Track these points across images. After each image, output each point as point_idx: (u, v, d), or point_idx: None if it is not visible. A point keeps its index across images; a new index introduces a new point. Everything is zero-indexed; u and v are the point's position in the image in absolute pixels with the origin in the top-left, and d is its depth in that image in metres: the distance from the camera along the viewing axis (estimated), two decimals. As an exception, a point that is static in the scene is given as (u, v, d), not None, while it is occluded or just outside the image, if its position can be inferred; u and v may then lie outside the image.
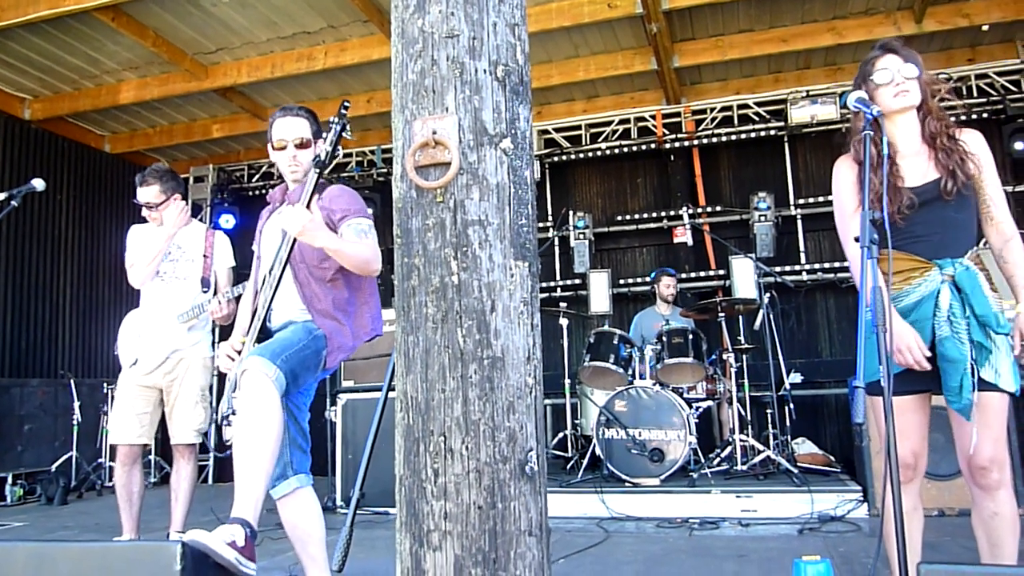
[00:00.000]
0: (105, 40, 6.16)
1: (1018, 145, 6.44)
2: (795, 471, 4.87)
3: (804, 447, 5.83)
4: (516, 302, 1.55)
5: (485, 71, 1.59)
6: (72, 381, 6.70)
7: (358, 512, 2.03)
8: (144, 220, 3.98)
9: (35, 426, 6.54)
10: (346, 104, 2.39)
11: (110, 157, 7.88)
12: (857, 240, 2.23)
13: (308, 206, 2.40)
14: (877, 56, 2.50)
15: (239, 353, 2.52)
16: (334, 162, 2.41)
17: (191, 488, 3.88)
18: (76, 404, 6.57)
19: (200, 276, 3.96)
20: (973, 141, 2.38)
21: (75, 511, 5.83)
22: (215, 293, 3.97)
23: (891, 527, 2.02)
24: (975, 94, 6.74)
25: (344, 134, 2.35)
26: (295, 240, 2.41)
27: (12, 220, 6.95)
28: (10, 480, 6.21)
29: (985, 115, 6.59)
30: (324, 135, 2.42)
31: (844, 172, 2.50)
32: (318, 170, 2.39)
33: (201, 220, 8.04)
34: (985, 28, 6.28)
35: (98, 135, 7.89)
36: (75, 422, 6.55)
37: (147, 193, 3.87)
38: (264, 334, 2.57)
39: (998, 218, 2.36)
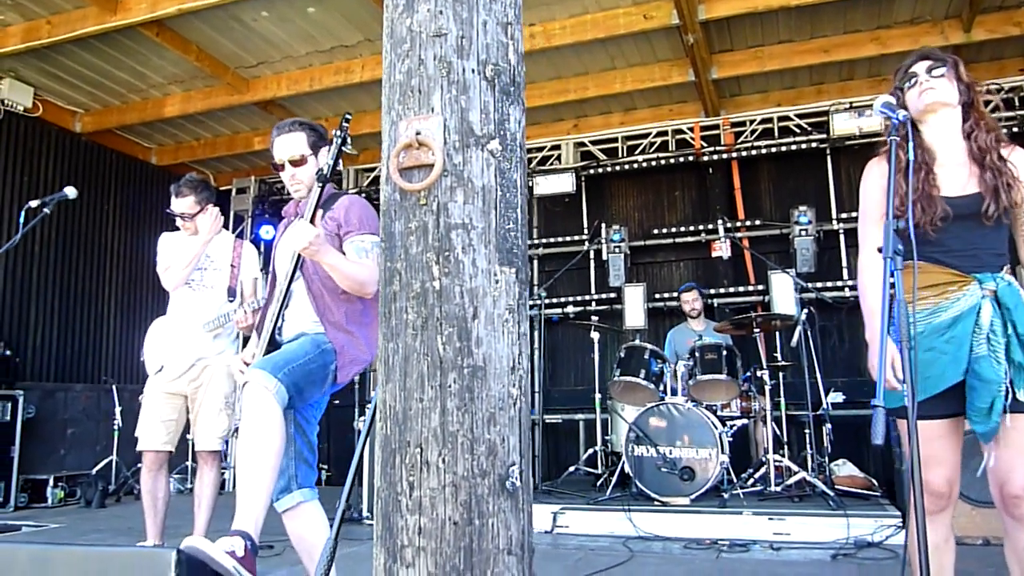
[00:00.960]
0: (150, 55, 6.31)
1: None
2: (831, 494, 4.67)
3: (844, 469, 5.60)
4: (500, 309, 1.48)
5: (473, 71, 1.54)
6: (114, 387, 6.83)
7: (371, 525, 1.98)
8: (174, 228, 4.03)
9: (78, 430, 6.69)
10: (347, 117, 2.37)
11: (156, 169, 8.08)
12: (880, 250, 2.11)
13: (312, 220, 2.38)
14: (910, 63, 2.39)
15: (248, 366, 2.50)
16: (337, 175, 2.40)
17: (214, 495, 3.88)
18: (118, 409, 6.69)
19: (227, 285, 3.99)
20: (1020, 162, 2.24)
21: (111, 515, 5.92)
22: (241, 303, 3.99)
23: (916, 557, 1.90)
24: (1029, 105, 6.46)
25: (345, 147, 2.33)
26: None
27: (61, 229, 7.16)
28: (51, 482, 6.34)
29: (1039, 126, 6.31)
30: (328, 146, 2.40)
31: (873, 176, 2.38)
32: (320, 184, 2.38)
33: (242, 231, 8.18)
34: (1039, 35, 6.02)
35: (145, 147, 8.09)
36: (116, 427, 6.67)
37: (182, 204, 3.92)
38: (275, 347, 2.55)
39: None
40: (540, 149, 7.79)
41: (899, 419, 2.21)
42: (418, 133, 1.51)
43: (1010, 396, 2.09)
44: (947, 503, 2.22)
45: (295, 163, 2.62)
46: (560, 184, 7.33)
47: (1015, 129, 6.41)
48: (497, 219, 1.50)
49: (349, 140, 2.37)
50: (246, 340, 3.78)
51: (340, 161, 2.38)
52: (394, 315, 1.51)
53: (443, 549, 1.37)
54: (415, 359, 1.46)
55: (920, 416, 2.08)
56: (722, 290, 7.00)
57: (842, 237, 6.87)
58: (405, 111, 1.55)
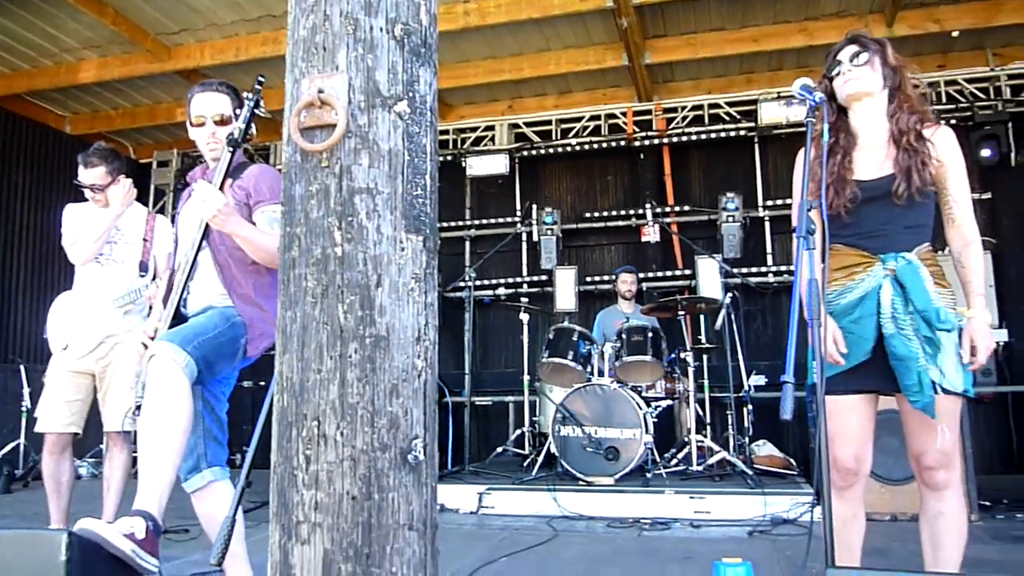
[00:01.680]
0: (65, 17, 5.97)
1: (985, 152, 6.40)
2: (750, 473, 4.78)
3: (764, 449, 5.75)
4: (406, 277, 1.42)
5: (382, 29, 1.47)
6: (23, 367, 6.49)
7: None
8: (81, 199, 3.82)
9: (-18, 412, 6.34)
10: (260, 78, 2.26)
11: (70, 139, 7.67)
12: (795, 231, 2.14)
13: (221, 188, 2.28)
14: (838, 48, 2.41)
15: (153, 339, 2.38)
16: (248, 140, 2.29)
17: (125, 477, 3.73)
18: (26, 390, 6.36)
19: (139, 260, 3.81)
20: (942, 142, 2.27)
21: (17, 500, 5.64)
22: (154, 278, 3.83)
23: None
24: (944, 100, 6.69)
25: (258, 111, 2.23)
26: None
27: (-35, 200, 6.74)
28: (-47, 466, 6.00)
29: (954, 121, 6.52)
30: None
31: (800, 161, 2.40)
32: (231, 149, 2.27)
33: (163, 207, 7.87)
34: (955, 34, 6.24)
35: (58, 115, 7.68)
36: (24, 408, 6.34)
37: (92, 175, 3.72)
38: (180, 320, 2.43)
39: (959, 221, 2.25)
40: (474, 129, 7.72)
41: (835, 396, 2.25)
42: (321, 91, 1.43)
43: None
44: (855, 479, 2.26)
45: (220, 122, 2.49)
46: (494, 165, 7.27)
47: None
48: (404, 184, 1.44)
49: (262, 104, 2.26)
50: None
51: (253, 125, 2.27)
52: (293, 282, 1.44)
53: (340, 525, 1.32)
54: (314, 328, 1.39)
55: (830, 391, 2.13)
56: (650, 274, 7.07)
57: (767, 224, 7.02)
58: (309, 69, 1.47)
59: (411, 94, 1.48)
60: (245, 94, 2.28)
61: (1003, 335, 6.15)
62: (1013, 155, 6.43)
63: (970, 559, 2.22)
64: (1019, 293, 6.40)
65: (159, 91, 7.29)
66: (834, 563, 1.83)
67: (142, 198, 6.03)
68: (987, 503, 4.35)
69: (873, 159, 2.31)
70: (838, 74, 2.37)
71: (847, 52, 2.37)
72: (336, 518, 1.32)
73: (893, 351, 2.16)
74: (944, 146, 2.27)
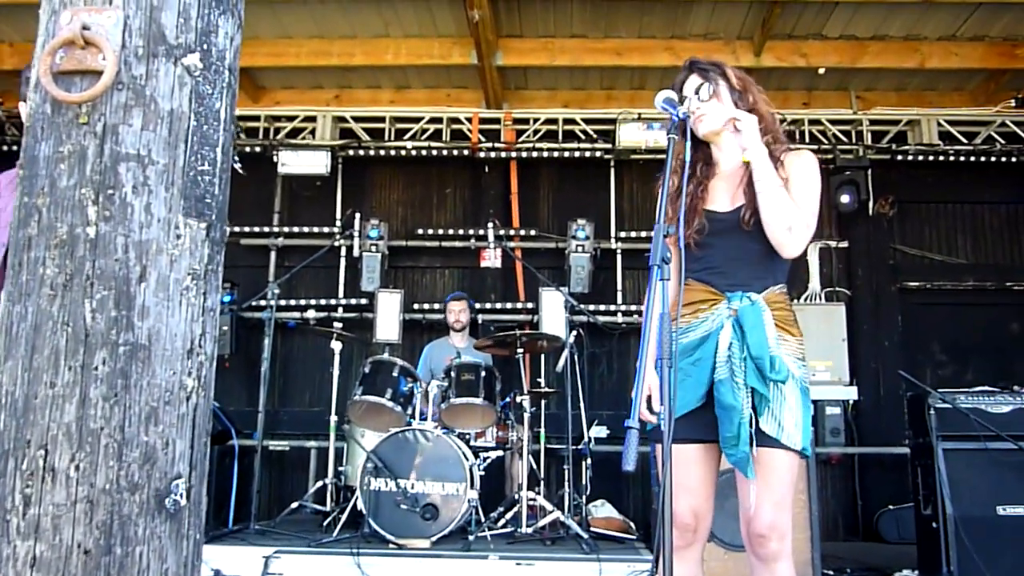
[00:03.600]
0: None
1: (844, 199, 7.01)
2: (586, 536, 4.86)
3: (602, 510, 5.88)
4: (180, 273, 1.31)
5: (174, -40, 1.36)
6: None
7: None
8: None
9: None
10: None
11: None
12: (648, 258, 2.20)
13: None
14: (681, 80, 2.51)
15: None
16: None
17: None
18: None
19: None
20: (793, 163, 2.40)
21: None
22: None
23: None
24: (808, 140, 7.30)
25: None
26: None
27: None
28: None
29: (815, 163, 7.12)
30: None
31: (659, 183, 2.48)
32: None
33: None
34: (821, 71, 6.85)
35: None
36: None
37: None
38: None
39: None
40: (291, 119, 7.51)
41: (655, 442, 2.30)
42: (86, 28, 1.30)
43: (754, 426, 2.25)
44: (694, 537, 2.33)
45: None
46: (312, 163, 7.08)
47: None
48: (187, 156, 1.34)
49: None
50: None
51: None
52: (27, 268, 1.28)
53: (65, 588, 1.17)
54: (50, 329, 1.24)
55: (675, 439, 2.19)
56: (488, 305, 7.12)
57: (619, 257, 7.30)
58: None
59: (206, 46, 1.38)
60: None
61: (852, 393, 6.72)
62: (871, 203, 7.12)
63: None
64: (870, 349, 7.04)
65: None
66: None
67: None
68: (830, 572, 4.68)
69: (728, 189, 2.44)
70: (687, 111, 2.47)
71: (690, 85, 2.48)
72: (60, 579, 1.17)
73: (719, 399, 2.25)
74: (794, 165, 2.40)
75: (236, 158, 2.64)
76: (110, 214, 1.28)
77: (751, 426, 2.21)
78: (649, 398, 2.32)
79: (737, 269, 2.37)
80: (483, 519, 5.09)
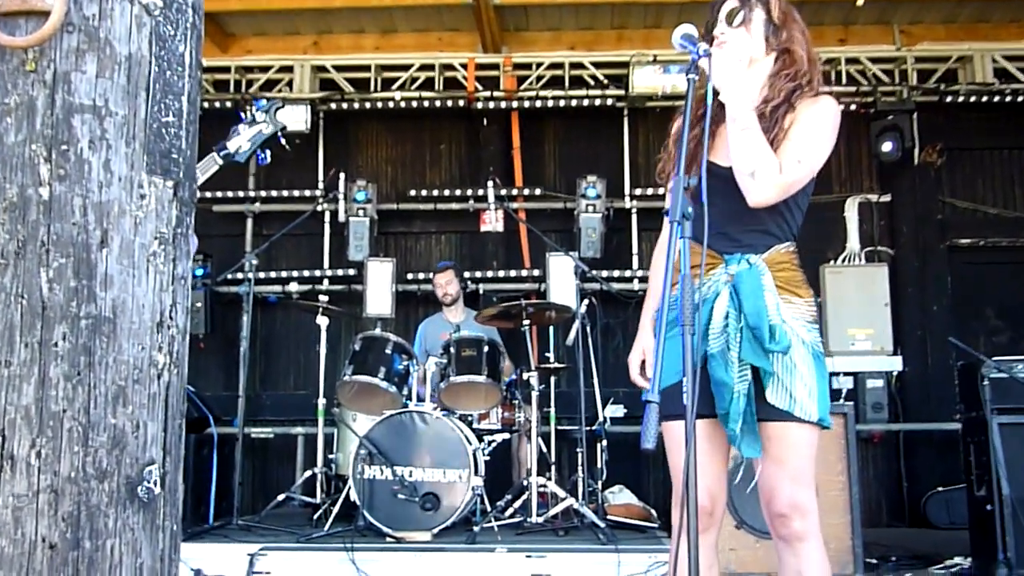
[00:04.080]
0: None
1: (886, 146, 6.94)
2: (602, 525, 4.90)
3: (620, 497, 5.93)
4: (146, 237, 1.32)
5: None
6: None
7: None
8: None
9: None
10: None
11: None
12: (666, 214, 2.19)
13: None
14: (716, 3, 2.48)
15: None
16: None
17: None
18: None
19: None
20: (805, 108, 2.36)
21: None
22: None
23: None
24: (844, 81, 7.25)
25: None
26: None
27: None
28: None
29: (852, 107, 7.09)
30: None
31: (677, 127, 2.46)
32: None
33: None
34: (860, 3, 6.76)
35: None
36: None
37: None
38: None
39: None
40: (265, 70, 7.48)
41: (665, 422, 2.31)
42: (30, -37, 1.30)
43: (759, 399, 2.26)
44: (709, 521, 2.35)
45: None
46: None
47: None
48: (149, 106, 1.34)
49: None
50: None
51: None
52: (-27, 235, 1.29)
53: (29, 586, 1.19)
54: (2, 302, 1.25)
55: (667, 416, 2.21)
56: (490, 273, 7.13)
57: (635, 218, 7.28)
58: (13, -71, 1.33)
59: (166, -18, 1.38)
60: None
61: (896, 363, 6.73)
62: (917, 151, 7.07)
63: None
64: (916, 314, 7.04)
65: None
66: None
67: None
68: (873, 560, 4.71)
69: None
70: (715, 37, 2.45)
71: (725, 8, 2.45)
72: (23, 576, 1.19)
73: (712, 373, 2.26)
74: (805, 110, 2.36)
75: (281, 135, 3.10)
76: (65, 173, 1.28)
77: (745, 402, 2.22)
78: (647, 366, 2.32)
79: (738, 229, 2.37)
80: (489, 508, 5.15)
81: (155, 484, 1.30)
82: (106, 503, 1.25)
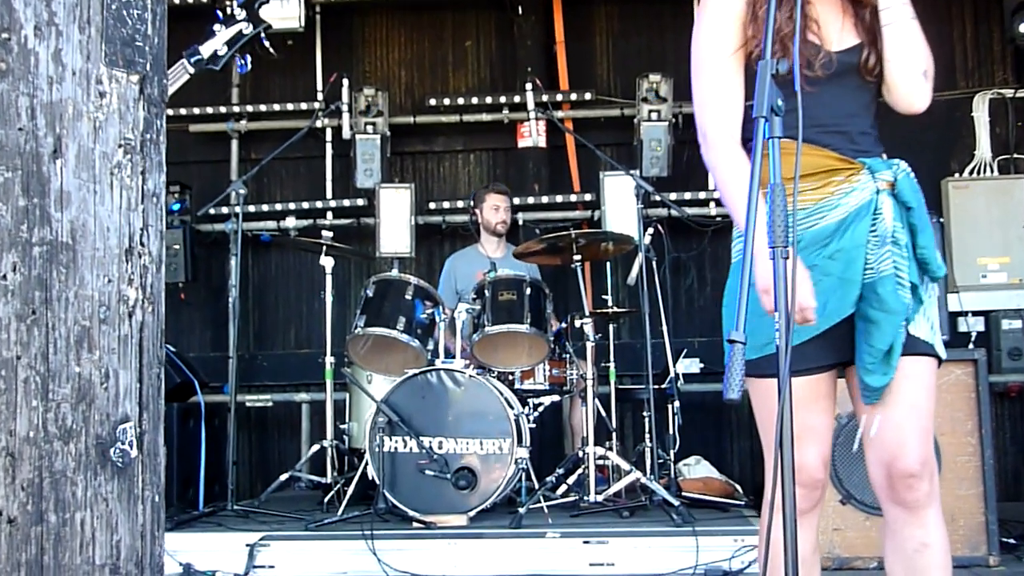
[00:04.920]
0: None
1: (1024, 27, 6.77)
2: (677, 504, 4.93)
3: (697, 469, 5.97)
4: (108, 144, 1.33)
5: None
6: None
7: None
8: None
9: None
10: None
11: None
12: (750, 110, 2.15)
13: None
14: None
15: None
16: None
17: None
18: None
19: None
20: None
21: None
22: None
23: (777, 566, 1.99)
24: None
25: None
26: None
27: None
28: None
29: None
30: None
31: None
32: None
33: None
34: None
35: None
36: None
37: None
38: None
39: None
40: (247, -46, 7.44)
41: (759, 378, 2.31)
42: None
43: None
44: (819, 496, 2.38)
45: None
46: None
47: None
48: (105, -18, 1.34)
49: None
50: None
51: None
52: (-101, 147, 1.31)
53: (-15, 568, 1.22)
54: (-62, 227, 1.27)
55: (796, 371, 2.19)
56: (531, 200, 7.10)
57: (711, 125, 7.19)
58: None
59: None
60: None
61: (1040, 302, 6.64)
62: (1063, 33, 6.89)
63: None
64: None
65: None
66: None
67: None
68: (1011, 540, 4.69)
69: (832, 21, 2.39)
70: None
71: None
72: (-22, 556, 1.23)
73: (882, 297, 2.24)
74: None
75: (265, 35, 3.09)
76: (7, 67, 1.29)
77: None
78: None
79: (858, 130, 2.37)
80: (537, 486, 5.19)
81: (130, 445, 1.33)
82: (73, 468, 1.28)
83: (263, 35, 2.95)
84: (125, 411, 1.33)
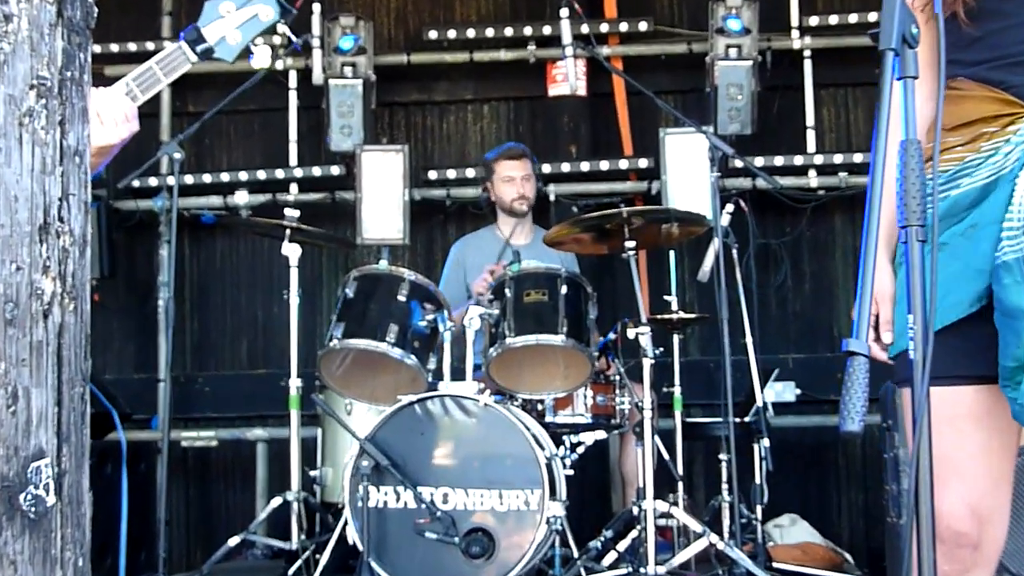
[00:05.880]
0: None
1: None
2: (765, 578, 4.96)
3: (793, 532, 5.97)
4: (15, 86, 1.35)
5: None
6: None
7: None
8: None
9: None
10: None
11: None
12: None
13: None
14: None
15: None
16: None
17: None
18: None
19: None
20: None
21: None
22: None
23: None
24: None
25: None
26: None
27: None
28: None
29: None
30: None
31: None
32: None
33: None
34: None
35: None
36: None
37: None
38: None
39: None
40: None
41: (895, 384, 2.32)
42: None
43: None
44: (973, 559, 2.36)
45: None
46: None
47: None
48: None
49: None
50: None
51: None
52: None
53: None
54: None
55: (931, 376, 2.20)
56: (566, 167, 7.12)
57: (807, 66, 7.19)
58: None
59: None
60: None
61: None
62: None
63: None
64: None
65: None
66: None
67: None
68: None
69: None
70: None
71: None
72: None
73: (1001, 297, 2.24)
74: None
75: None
76: None
77: None
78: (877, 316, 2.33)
79: None
80: (576, 553, 5.21)
81: (46, 490, 1.34)
82: (-32, 521, 1.30)
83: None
84: (39, 444, 1.35)
